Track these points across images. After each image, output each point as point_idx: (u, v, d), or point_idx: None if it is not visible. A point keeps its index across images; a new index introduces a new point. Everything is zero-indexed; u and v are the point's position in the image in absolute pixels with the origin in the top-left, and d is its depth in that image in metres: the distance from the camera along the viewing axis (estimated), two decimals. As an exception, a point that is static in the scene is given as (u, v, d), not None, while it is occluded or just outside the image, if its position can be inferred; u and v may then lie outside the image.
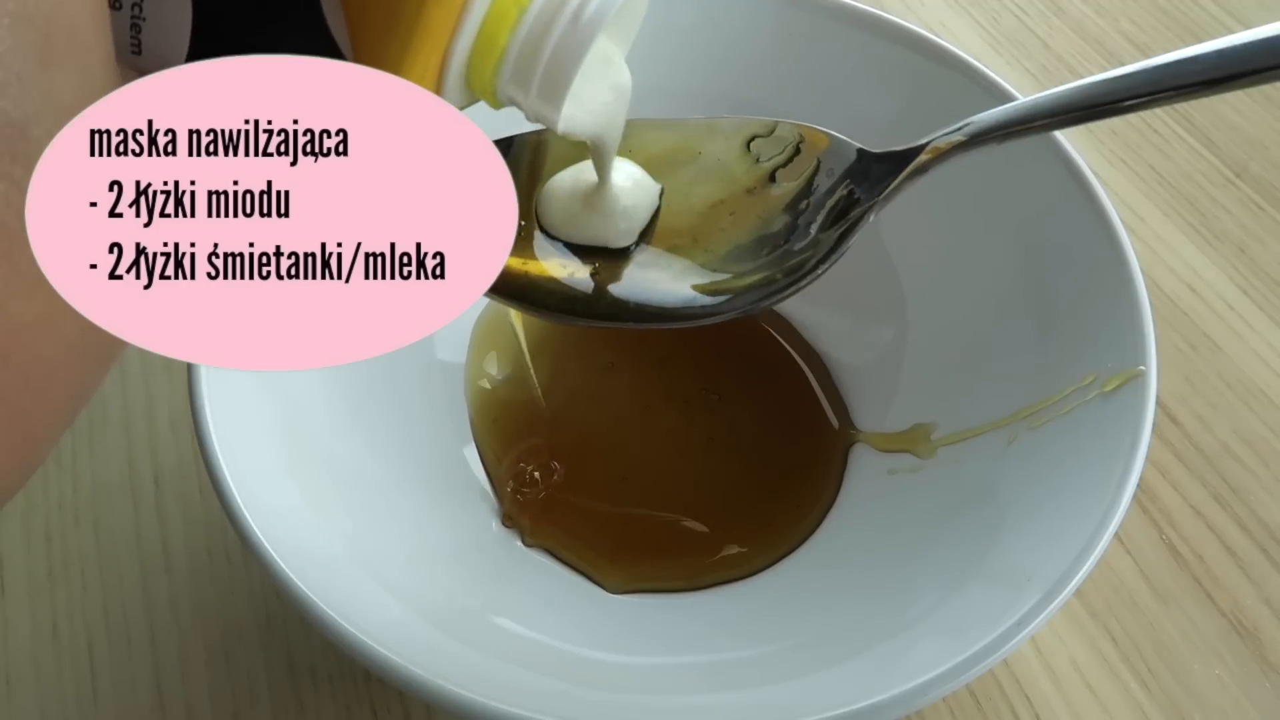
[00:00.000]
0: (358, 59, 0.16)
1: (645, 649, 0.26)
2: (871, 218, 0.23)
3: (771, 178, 0.24)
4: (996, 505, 0.25)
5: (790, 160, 0.24)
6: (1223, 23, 0.43)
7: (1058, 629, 0.28)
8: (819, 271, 0.22)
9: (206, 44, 0.16)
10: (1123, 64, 0.44)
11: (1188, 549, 0.30)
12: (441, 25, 0.16)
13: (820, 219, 0.23)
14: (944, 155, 0.23)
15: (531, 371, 0.32)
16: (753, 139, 0.25)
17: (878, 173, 0.23)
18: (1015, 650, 0.20)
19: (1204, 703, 0.27)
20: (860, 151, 0.24)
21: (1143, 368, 0.24)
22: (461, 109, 0.17)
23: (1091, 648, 0.28)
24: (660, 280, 0.23)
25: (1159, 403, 0.30)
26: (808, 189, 0.24)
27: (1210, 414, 0.33)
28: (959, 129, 0.23)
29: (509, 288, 0.23)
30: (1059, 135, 0.27)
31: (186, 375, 0.23)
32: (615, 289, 0.23)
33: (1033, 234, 0.28)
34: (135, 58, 0.16)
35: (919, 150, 0.23)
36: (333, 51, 0.16)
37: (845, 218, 0.23)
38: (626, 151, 0.24)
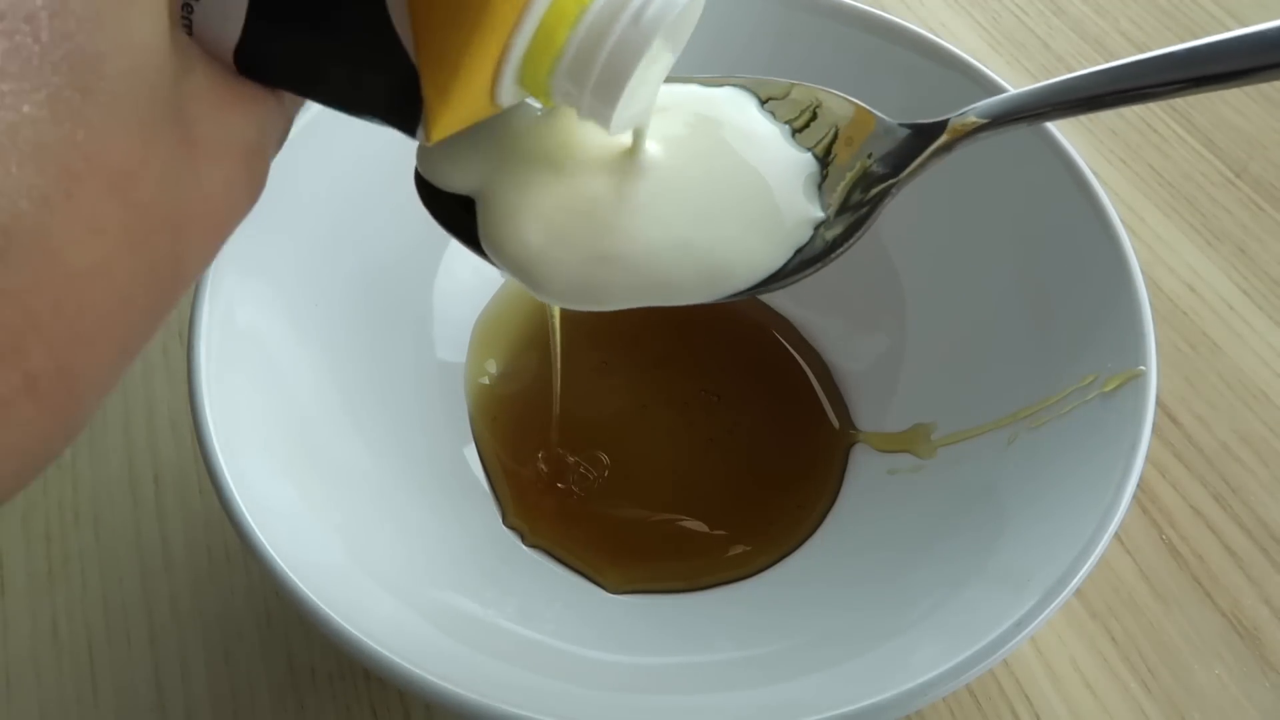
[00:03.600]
0: (419, 50, 0.16)
1: (645, 649, 0.26)
2: (896, 194, 0.21)
3: (793, 139, 0.23)
4: (997, 505, 0.25)
5: (808, 125, 0.23)
6: (1222, 22, 0.43)
7: (1058, 629, 0.28)
8: (838, 253, 0.21)
9: (262, 29, 0.16)
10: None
11: (1188, 549, 0.30)
12: (505, 17, 0.16)
13: (841, 190, 0.22)
14: (972, 132, 0.21)
15: (558, 368, 0.31)
16: (767, 100, 0.23)
17: (902, 146, 0.22)
18: (1015, 650, 0.20)
19: (1204, 703, 0.27)
20: (882, 121, 0.22)
21: (1143, 368, 0.24)
22: (510, 105, 0.18)
23: (1091, 648, 0.28)
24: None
25: (1159, 403, 0.30)
26: (826, 157, 0.22)
27: (1210, 414, 0.33)
28: (981, 107, 0.21)
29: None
30: (1059, 135, 0.27)
31: (186, 375, 0.23)
32: None
33: (1033, 234, 0.28)
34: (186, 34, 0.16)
35: (943, 125, 0.21)
36: (392, 41, 0.16)
37: (867, 195, 0.22)
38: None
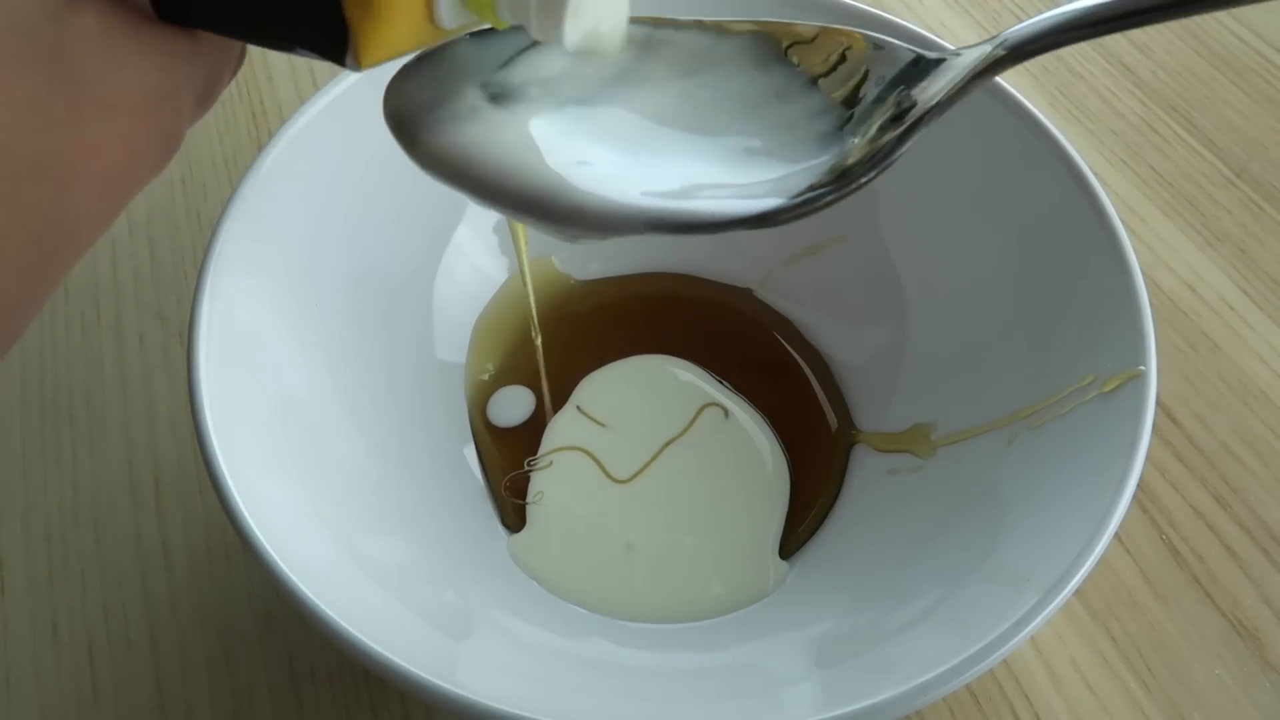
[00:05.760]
0: None
1: (645, 649, 0.26)
2: (931, 122, 0.20)
3: (814, 85, 0.21)
4: (997, 505, 0.25)
5: (834, 69, 0.21)
6: (1221, 21, 0.43)
7: (1058, 629, 0.28)
8: (866, 179, 0.19)
9: None
10: (1122, 61, 0.44)
11: (1188, 549, 0.30)
12: None
13: (868, 128, 0.21)
14: (1020, 52, 0.20)
15: (542, 368, 0.31)
16: (791, 46, 0.22)
17: (938, 77, 0.20)
18: (1015, 650, 0.20)
19: (1204, 703, 0.27)
20: (918, 56, 0.21)
21: (1143, 368, 0.24)
22: (456, 29, 0.17)
23: (1091, 648, 0.28)
24: (669, 183, 0.20)
25: (1159, 403, 0.30)
26: (852, 98, 0.21)
27: (1210, 414, 0.33)
28: (1030, 24, 0.20)
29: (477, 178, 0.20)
30: (1059, 135, 0.27)
31: (186, 375, 0.23)
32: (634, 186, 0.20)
33: (1033, 234, 0.28)
34: None
35: (989, 46, 0.20)
36: None
37: (901, 120, 0.20)
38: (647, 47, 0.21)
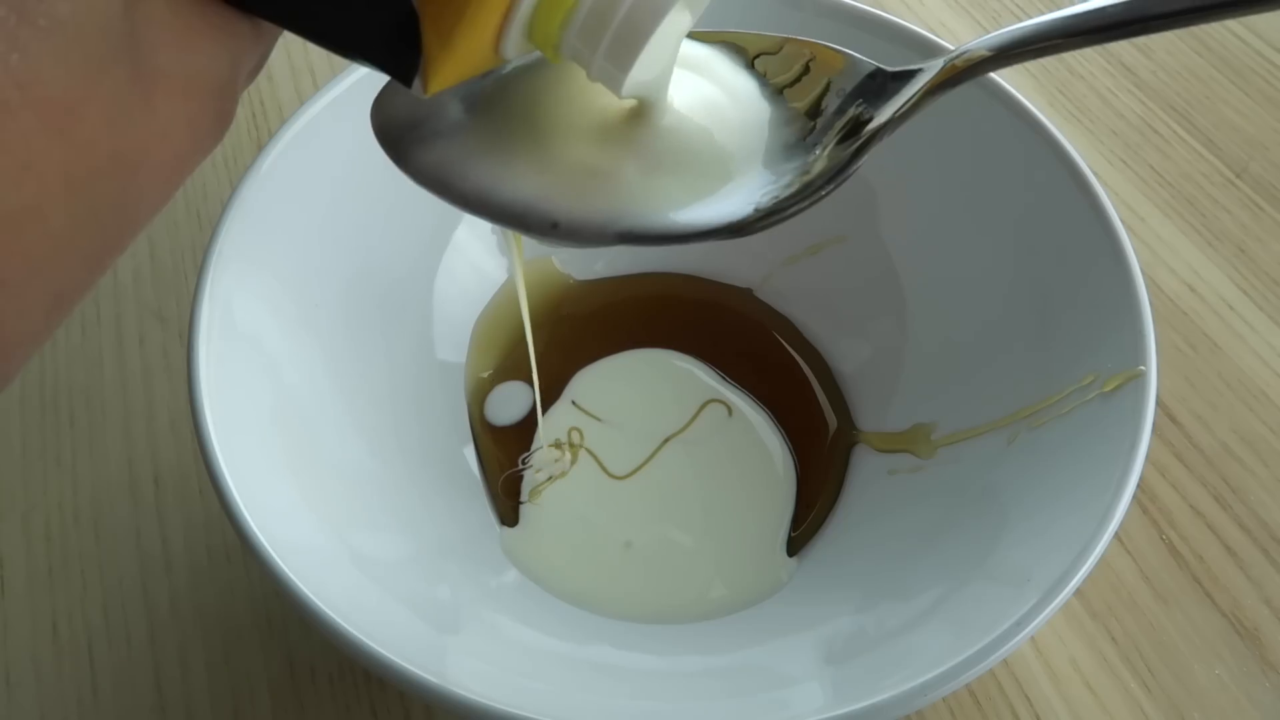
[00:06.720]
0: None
1: (644, 650, 0.26)
2: (885, 137, 0.20)
3: (779, 95, 0.22)
4: (997, 505, 0.25)
5: (798, 80, 0.22)
6: (1222, 21, 0.43)
7: (1058, 629, 0.28)
8: (824, 191, 0.20)
9: None
10: (1122, 61, 0.44)
11: (1188, 549, 0.30)
12: None
13: (828, 140, 0.21)
14: (969, 71, 0.20)
15: (534, 370, 0.31)
16: (758, 56, 0.23)
17: (894, 91, 0.21)
18: (1015, 650, 0.20)
19: (1204, 703, 0.27)
20: (876, 70, 0.21)
21: (1143, 368, 0.24)
22: (514, 58, 0.17)
23: (1091, 648, 0.28)
24: (642, 196, 0.20)
25: (1159, 403, 0.30)
26: (815, 109, 0.21)
27: (1210, 414, 0.33)
28: (981, 43, 0.20)
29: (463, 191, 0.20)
30: (1059, 135, 0.27)
31: (186, 375, 0.23)
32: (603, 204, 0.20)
33: (1033, 234, 0.28)
34: None
35: (941, 64, 0.20)
36: None
37: (858, 135, 0.20)
38: None
